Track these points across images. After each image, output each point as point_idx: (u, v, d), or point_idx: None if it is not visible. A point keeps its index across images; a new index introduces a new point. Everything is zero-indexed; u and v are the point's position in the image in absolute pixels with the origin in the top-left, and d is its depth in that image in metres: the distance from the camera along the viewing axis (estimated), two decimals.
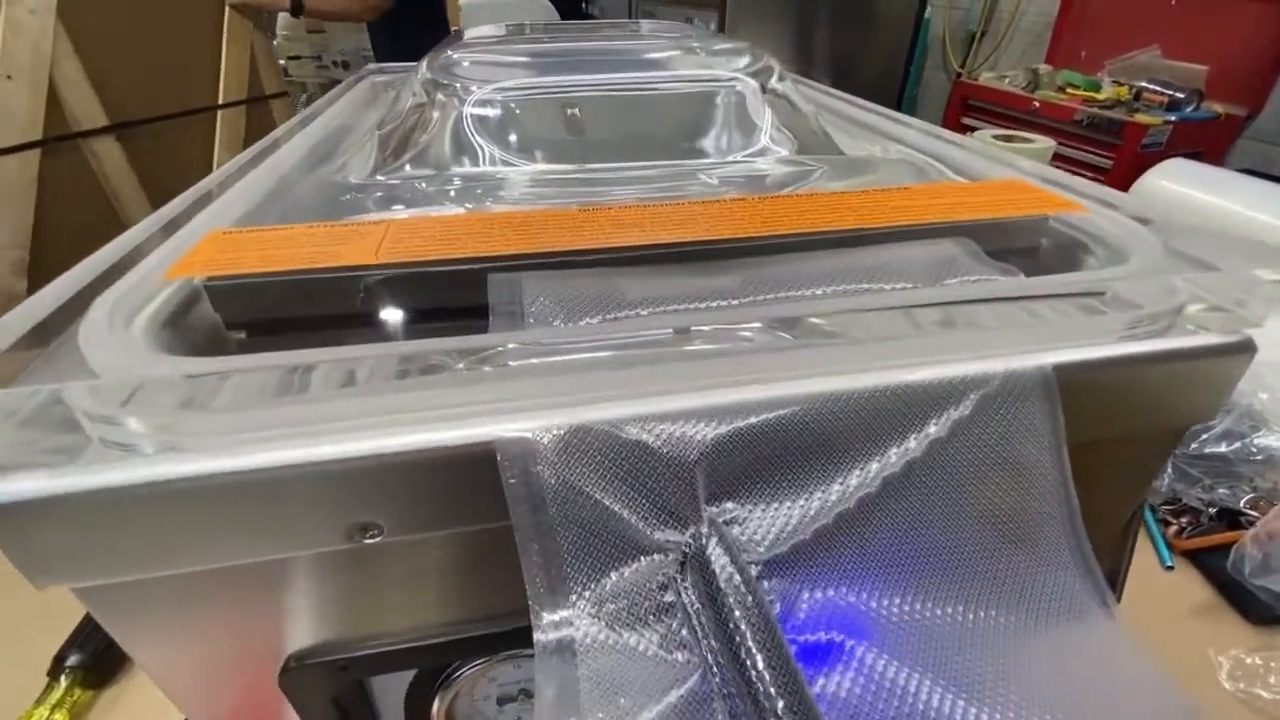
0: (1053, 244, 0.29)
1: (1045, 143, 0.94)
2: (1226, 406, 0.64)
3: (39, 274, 1.25)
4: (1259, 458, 0.58)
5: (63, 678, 0.46)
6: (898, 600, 0.20)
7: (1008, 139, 0.98)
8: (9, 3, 1.16)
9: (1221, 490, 0.60)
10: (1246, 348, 0.23)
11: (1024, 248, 0.29)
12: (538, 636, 0.19)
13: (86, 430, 0.18)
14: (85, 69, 1.31)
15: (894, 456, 0.21)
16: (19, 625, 0.48)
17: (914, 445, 0.21)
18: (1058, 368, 0.22)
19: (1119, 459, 0.27)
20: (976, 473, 0.21)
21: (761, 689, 0.17)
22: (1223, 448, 0.59)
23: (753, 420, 0.20)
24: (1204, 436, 0.60)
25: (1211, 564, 0.57)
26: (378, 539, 0.20)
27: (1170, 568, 0.58)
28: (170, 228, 0.27)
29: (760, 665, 0.17)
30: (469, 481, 0.20)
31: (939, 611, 0.20)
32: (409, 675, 0.26)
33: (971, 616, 0.20)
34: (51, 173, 1.26)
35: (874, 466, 0.20)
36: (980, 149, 0.45)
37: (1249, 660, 0.50)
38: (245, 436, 0.19)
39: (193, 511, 0.19)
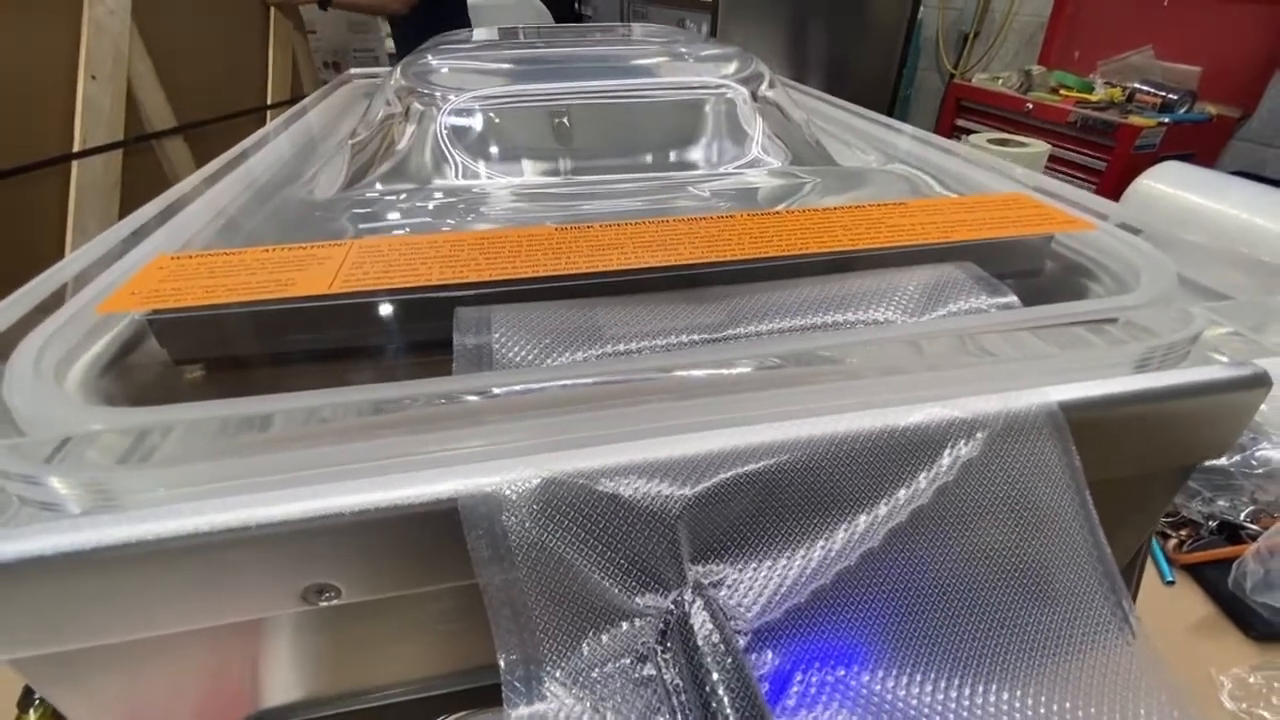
0: (1058, 265, 0.28)
1: (1040, 147, 0.93)
2: None
3: None
4: (1260, 470, 0.57)
5: (32, 710, 0.44)
6: (907, 676, 0.18)
7: (1002, 142, 0.97)
8: (91, 3, 1.15)
9: (1221, 503, 0.59)
10: (1261, 381, 0.22)
11: (1027, 269, 0.28)
12: (509, 711, 0.17)
13: (7, 490, 0.17)
14: (156, 70, 1.31)
15: (896, 506, 0.19)
16: None
17: (916, 494, 0.19)
18: (1065, 405, 0.21)
19: (1124, 497, 0.25)
20: (989, 523, 0.20)
21: None
22: (1223, 460, 0.58)
23: (740, 470, 0.18)
24: None
25: (1212, 579, 0.56)
26: (335, 601, 0.19)
27: (1171, 583, 0.57)
28: (116, 252, 0.25)
29: None
30: (432, 539, 0.18)
31: (959, 692, 0.18)
32: None
33: (994, 698, 0.18)
34: (130, 174, 1.26)
35: (875, 518, 0.19)
36: (976, 158, 0.44)
37: (1251, 680, 0.49)
38: (185, 492, 0.17)
39: (127, 578, 0.17)
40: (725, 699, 0.16)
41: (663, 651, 0.18)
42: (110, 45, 1.18)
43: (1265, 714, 0.47)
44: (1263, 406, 0.63)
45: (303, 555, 0.17)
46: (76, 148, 1.15)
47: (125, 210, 1.27)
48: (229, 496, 0.17)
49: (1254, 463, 0.57)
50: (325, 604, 0.18)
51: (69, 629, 0.18)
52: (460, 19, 2.03)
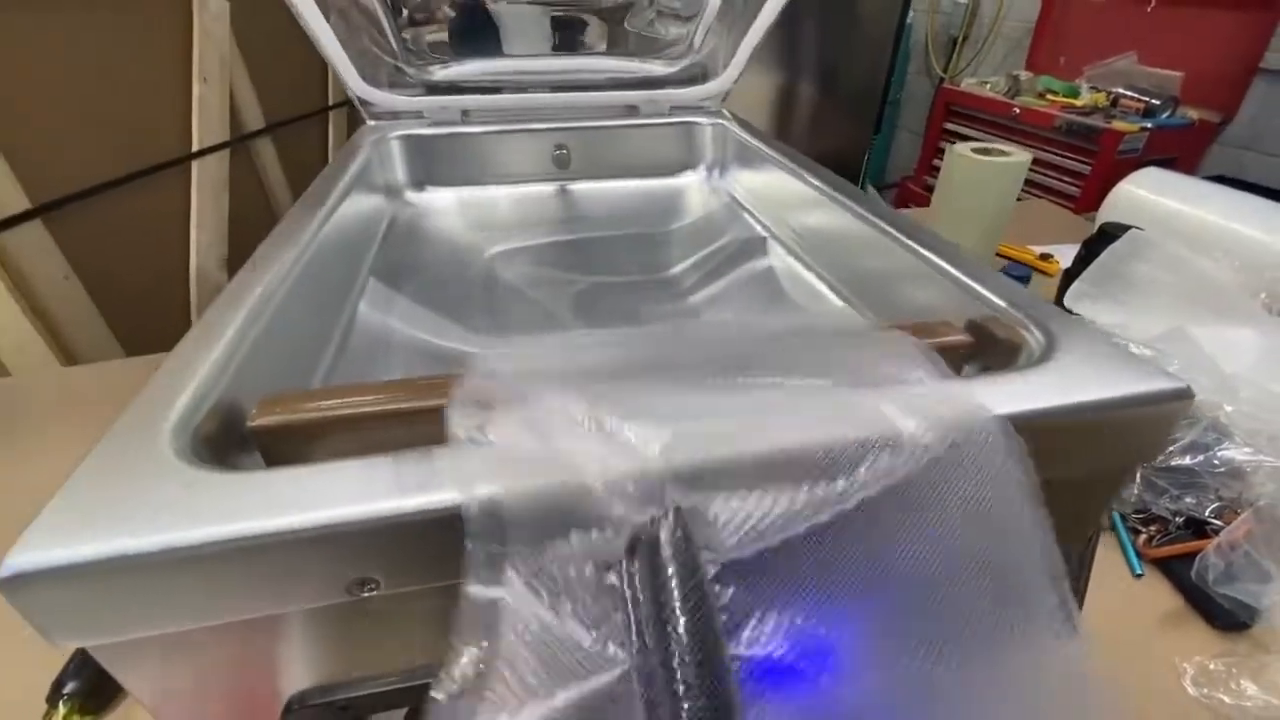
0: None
1: (1021, 157, 0.96)
2: (1193, 419, 0.66)
3: (234, 266, 1.32)
4: (1222, 469, 0.61)
5: (61, 704, 0.46)
6: (858, 630, 0.21)
7: (985, 151, 1.00)
8: (199, 9, 1.21)
9: (1188, 500, 0.63)
10: (1184, 394, 0.25)
11: None
12: (468, 590, 0.19)
13: None
14: (249, 73, 1.39)
15: (859, 486, 0.22)
16: (17, 652, 0.48)
17: (876, 477, 0.22)
18: (1012, 416, 0.24)
19: (1067, 497, 0.28)
20: (948, 514, 0.22)
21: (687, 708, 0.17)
22: (1188, 460, 0.61)
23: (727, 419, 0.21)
24: (1170, 449, 0.62)
25: (1179, 572, 0.59)
26: (375, 592, 0.21)
27: (1140, 575, 0.60)
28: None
29: (691, 680, 0.17)
30: (457, 537, 0.21)
31: (899, 651, 0.21)
32: (403, 712, 0.27)
33: (937, 668, 0.21)
34: (232, 172, 1.35)
35: (851, 486, 0.21)
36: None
37: (1212, 666, 0.52)
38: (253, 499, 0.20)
39: (201, 574, 0.20)
40: (681, 619, 0.17)
41: (629, 564, 0.19)
42: (215, 49, 1.24)
43: (1224, 698, 0.50)
44: (1228, 407, 0.66)
45: (349, 552, 0.20)
46: (195, 148, 1.22)
47: (233, 205, 1.34)
48: (288, 503, 0.20)
49: (1216, 462, 0.60)
50: (367, 594, 0.21)
51: (148, 618, 0.21)
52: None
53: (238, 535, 0.19)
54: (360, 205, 0.56)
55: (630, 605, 0.19)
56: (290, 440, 0.26)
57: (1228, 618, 0.54)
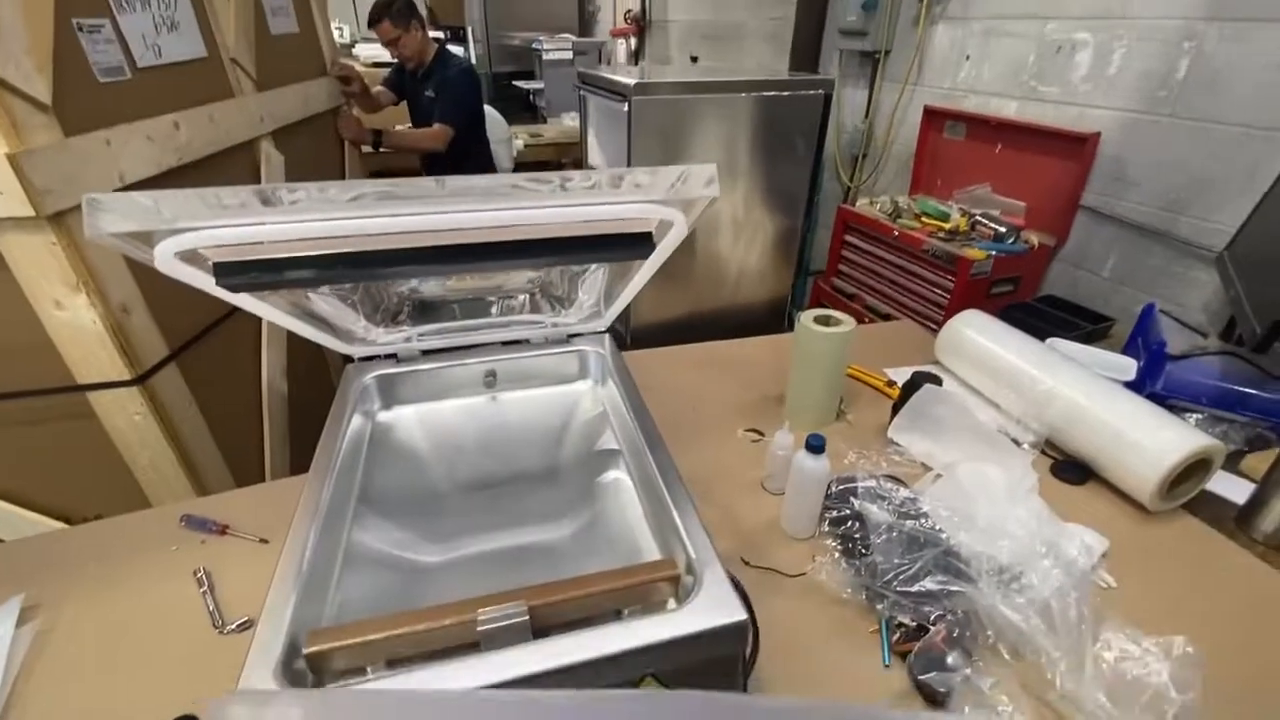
0: None
1: (849, 325, 1.29)
2: (932, 544, 0.97)
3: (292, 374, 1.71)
4: (935, 590, 0.91)
5: None
6: None
7: (825, 320, 1.32)
8: (265, 162, 1.58)
9: (925, 608, 0.92)
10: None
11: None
12: None
13: None
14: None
15: None
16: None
17: None
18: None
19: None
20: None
21: None
22: (913, 587, 0.91)
23: None
24: (904, 575, 0.93)
25: (909, 662, 0.88)
26: None
27: (888, 665, 0.90)
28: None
29: None
30: None
31: None
32: None
33: None
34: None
35: None
36: None
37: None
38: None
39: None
40: None
41: None
42: (273, 179, 1.62)
43: None
44: (963, 535, 0.97)
45: None
46: None
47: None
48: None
49: (924, 587, 0.90)
50: None
51: None
52: (484, 155, 2.96)
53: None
54: (351, 428, 0.85)
55: None
56: (327, 657, 0.54)
57: (927, 696, 0.84)
